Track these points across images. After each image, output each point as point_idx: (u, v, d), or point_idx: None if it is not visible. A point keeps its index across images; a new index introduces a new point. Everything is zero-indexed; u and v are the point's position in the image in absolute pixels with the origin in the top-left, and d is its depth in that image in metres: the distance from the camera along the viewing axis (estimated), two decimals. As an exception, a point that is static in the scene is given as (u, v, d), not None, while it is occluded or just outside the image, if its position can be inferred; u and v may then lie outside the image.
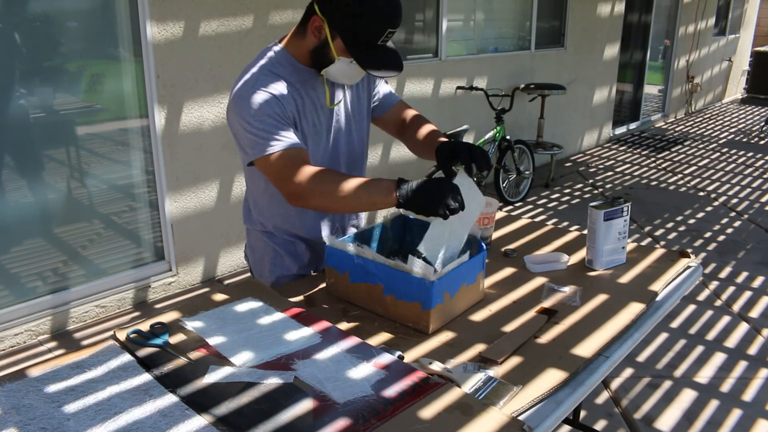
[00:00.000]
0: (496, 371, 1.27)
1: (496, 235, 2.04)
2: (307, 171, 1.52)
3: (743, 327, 3.45)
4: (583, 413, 2.60)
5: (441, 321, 1.44)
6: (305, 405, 1.13)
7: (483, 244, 1.57)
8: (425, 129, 1.82)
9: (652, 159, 7.31)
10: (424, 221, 1.73)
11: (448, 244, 1.51)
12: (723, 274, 4.14)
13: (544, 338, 1.41)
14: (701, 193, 5.98)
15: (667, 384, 2.92)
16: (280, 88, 1.56)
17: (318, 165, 1.67)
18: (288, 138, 1.53)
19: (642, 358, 3.13)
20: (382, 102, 1.87)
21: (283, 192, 1.57)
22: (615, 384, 2.91)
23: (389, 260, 1.44)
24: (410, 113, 1.90)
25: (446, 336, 1.42)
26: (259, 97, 1.52)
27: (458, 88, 5.39)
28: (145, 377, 1.21)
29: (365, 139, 1.86)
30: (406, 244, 1.77)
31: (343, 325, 1.44)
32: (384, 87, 1.87)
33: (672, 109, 9.79)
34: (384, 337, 1.41)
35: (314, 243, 1.81)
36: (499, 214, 2.17)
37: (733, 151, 7.79)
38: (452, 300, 1.46)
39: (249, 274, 1.94)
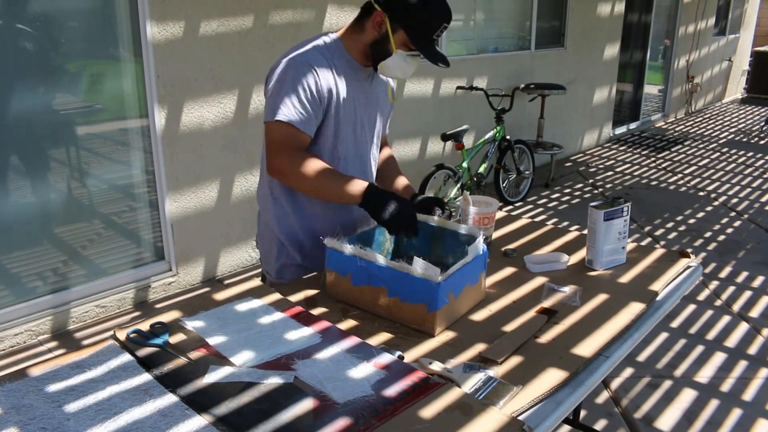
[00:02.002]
0: (496, 371, 1.27)
1: (496, 235, 2.03)
2: (298, 157, 1.61)
3: (743, 327, 3.45)
4: (583, 413, 2.60)
5: (446, 322, 1.44)
6: (305, 405, 1.13)
7: (484, 245, 1.57)
8: (395, 173, 1.98)
9: (652, 159, 7.31)
10: (423, 222, 1.73)
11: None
12: (723, 274, 4.14)
13: (544, 338, 1.41)
14: (701, 193, 5.98)
15: (667, 384, 2.92)
16: (324, 69, 1.64)
17: (344, 159, 1.76)
18: (301, 116, 1.60)
19: (642, 358, 3.13)
20: (387, 122, 1.99)
21: (268, 162, 1.64)
22: (615, 384, 2.91)
23: (394, 262, 1.44)
24: (385, 141, 2.03)
25: (446, 336, 1.42)
26: (304, 69, 1.60)
27: (458, 88, 5.39)
28: (145, 377, 1.21)
29: (379, 144, 1.94)
30: (403, 245, 1.76)
31: (343, 325, 1.44)
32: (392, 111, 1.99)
33: (672, 109, 9.79)
34: (384, 337, 1.41)
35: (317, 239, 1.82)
36: (499, 214, 2.17)
37: (733, 151, 7.79)
38: (456, 301, 1.46)
39: (249, 274, 1.96)
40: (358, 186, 1.62)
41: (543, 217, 5.20)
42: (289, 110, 1.58)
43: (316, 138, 1.68)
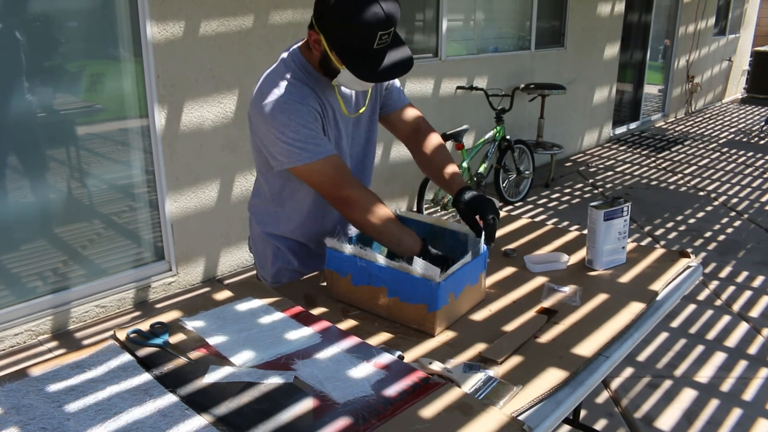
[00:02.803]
0: (496, 371, 1.27)
1: (496, 235, 2.03)
2: (358, 184, 1.61)
3: (743, 327, 3.45)
4: (583, 413, 2.60)
5: (446, 322, 1.44)
6: (305, 405, 1.13)
7: (484, 245, 1.57)
8: (440, 157, 1.83)
9: (652, 159, 7.31)
10: (422, 222, 1.73)
11: None
12: (723, 274, 4.14)
13: (544, 338, 1.41)
14: (701, 193, 5.98)
15: (667, 384, 2.92)
16: (308, 97, 1.58)
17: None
18: (323, 146, 1.57)
19: (642, 357, 3.13)
20: (393, 99, 1.86)
21: (331, 195, 1.60)
22: (615, 384, 2.91)
23: (394, 262, 1.44)
24: (422, 126, 1.88)
25: (446, 336, 1.42)
26: (292, 108, 1.54)
27: (458, 88, 5.39)
28: (145, 377, 1.21)
29: (375, 142, 1.87)
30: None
31: (343, 325, 1.44)
32: (396, 83, 1.86)
33: (672, 108, 9.79)
34: (384, 337, 1.41)
35: (317, 246, 1.82)
36: (500, 214, 2.16)
37: (733, 151, 7.79)
38: (456, 301, 1.46)
39: (249, 274, 1.95)
40: (415, 245, 1.56)
41: (543, 217, 5.20)
42: (311, 148, 1.54)
43: None
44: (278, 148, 1.56)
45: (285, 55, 1.66)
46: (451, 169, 1.82)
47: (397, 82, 1.85)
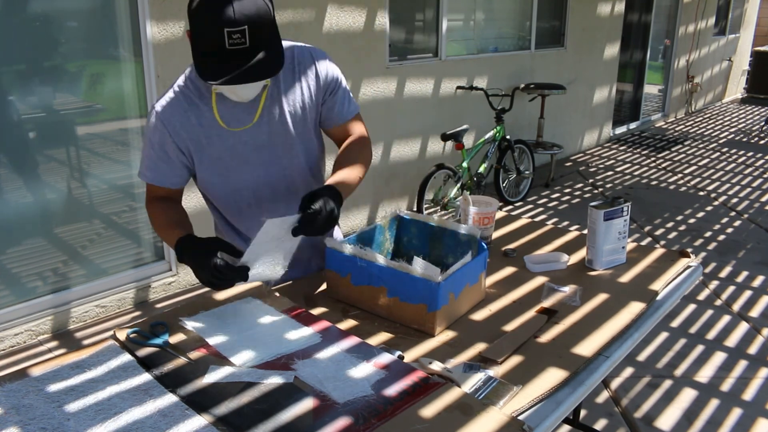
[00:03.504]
0: (496, 371, 1.27)
1: (496, 234, 2.03)
2: (153, 205, 1.64)
3: (743, 327, 3.45)
4: (583, 413, 2.60)
5: (446, 322, 1.44)
6: (305, 405, 1.13)
7: (484, 244, 1.57)
8: (345, 157, 1.63)
9: (652, 159, 7.31)
10: (422, 222, 1.73)
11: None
12: (723, 274, 4.14)
13: (544, 338, 1.41)
14: (701, 193, 5.98)
15: (667, 383, 2.92)
16: (175, 115, 1.55)
17: (250, 183, 1.62)
18: (153, 172, 1.60)
19: (642, 357, 3.13)
20: (335, 113, 1.65)
21: None
22: (615, 384, 2.91)
23: (394, 262, 1.44)
24: (352, 138, 1.68)
25: (446, 336, 1.42)
26: (153, 120, 1.56)
27: (458, 87, 5.39)
28: (145, 377, 1.21)
29: (316, 157, 1.69)
30: (403, 245, 1.76)
31: (343, 325, 1.44)
32: (341, 96, 1.65)
33: (672, 108, 9.79)
34: (384, 337, 1.41)
35: None
36: (499, 214, 2.17)
37: (733, 151, 7.79)
38: (456, 301, 1.46)
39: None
40: (174, 240, 1.54)
41: (543, 217, 5.20)
42: (142, 166, 1.61)
43: (205, 181, 1.66)
44: (142, 153, 1.64)
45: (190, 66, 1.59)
46: (336, 177, 1.55)
47: (342, 93, 1.65)
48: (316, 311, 1.52)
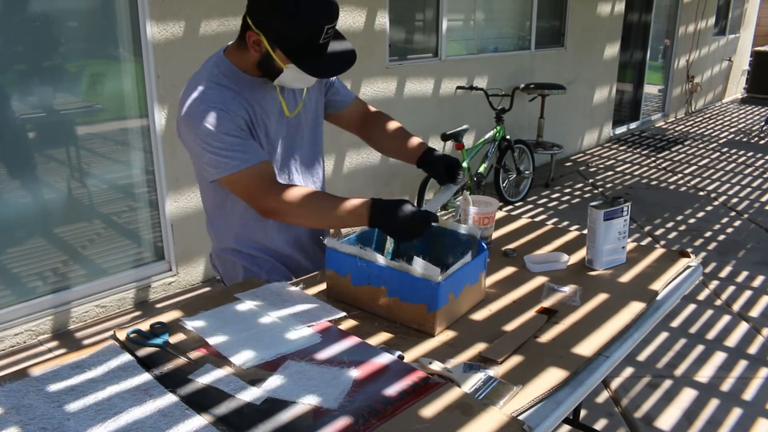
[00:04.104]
0: (496, 371, 1.27)
1: (496, 234, 2.03)
2: (282, 188, 1.54)
3: (743, 326, 3.45)
4: (583, 413, 2.60)
5: (446, 322, 1.44)
6: (305, 405, 1.13)
7: (484, 244, 1.57)
8: (402, 132, 1.82)
9: (652, 159, 7.31)
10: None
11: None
12: (723, 274, 4.14)
13: (544, 338, 1.41)
14: (701, 193, 5.98)
15: (667, 383, 2.92)
16: (229, 102, 1.52)
17: (286, 174, 1.69)
18: (251, 153, 1.51)
19: (642, 357, 3.13)
20: (340, 96, 1.83)
21: (256, 207, 1.57)
22: (615, 383, 2.91)
23: (394, 262, 1.44)
24: (373, 113, 1.87)
25: (446, 336, 1.42)
26: (212, 115, 1.48)
27: (458, 87, 5.39)
28: (145, 377, 1.21)
29: (321, 142, 1.82)
30: (403, 245, 1.76)
31: (343, 325, 1.44)
32: (338, 81, 1.83)
33: (672, 108, 9.79)
34: (384, 336, 1.41)
35: (278, 255, 1.78)
36: (499, 214, 2.17)
37: (733, 151, 7.79)
38: (456, 300, 1.46)
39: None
40: (359, 205, 1.50)
41: (543, 217, 5.20)
42: (237, 156, 1.49)
43: None
44: (206, 158, 1.51)
45: (209, 59, 1.61)
46: (417, 140, 1.80)
47: (338, 79, 1.82)
48: (316, 311, 1.51)
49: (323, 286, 1.64)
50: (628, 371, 3.01)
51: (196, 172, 1.66)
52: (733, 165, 7.09)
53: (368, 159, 4.72)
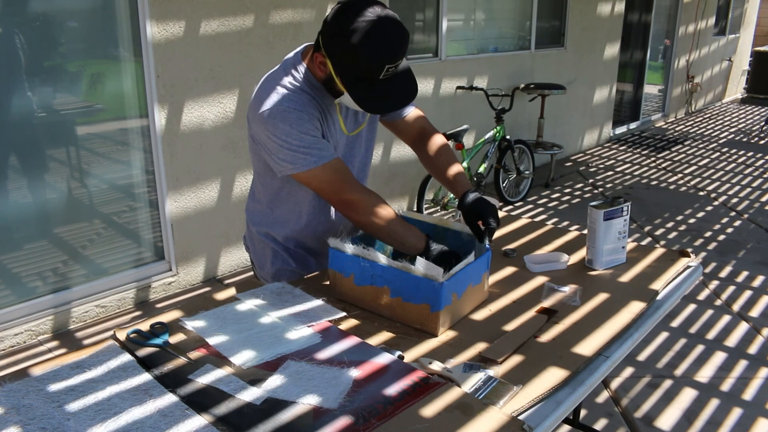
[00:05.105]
0: (496, 371, 1.27)
1: (496, 235, 2.03)
2: (360, 187, 1.61)
3: (743, 326, 3.45)
4: (583, 413, 2.60)
5: (449, 322, 1.44)
6: (305, 405, 1.13)
7: (487, 245, 1.57)
8: (445, 157, 1.87)
9: (652, 159, 7.31)
10: (424, 222, 1.73)
11: None
12: (723, 274, 4.14)
13: (545, 338, 1.41)
14: (701, 193, 5.98)
15: (667, 383, 2.92)
16: (309, 105, 1.56)
17: None
18: (326, 151, 1.56)
19: (642, 357, 3.13)
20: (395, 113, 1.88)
21: (335, 200, 1.61)
22: (615, 383, 2.91)
23: (396, 262, 1.44)
24: (427, 128, 1.91)
25: (446, 335, 1.42)
26: (294, 115, 1.52)
27: (458, 87, 5.39)
28: (145, 377, 1.21)
29: (370, 160, 1.88)
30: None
31: (344, 325, 1.44)
32: None
33: (672, 108, 9.79)
34: (384, 336, 1.41)
35: (310, 250, 1.82)
36: (499, 214, 2.17)
37: (733, 151, 7.79)
38: (459, 301, 1.46)
39: (249, 274, 1.94)
40: (419, 242, 1.58)
41: (543, 217, 5.20)
42: (314, 153, 1.54)
43: None
44: (282, 154, 1.55)
45: (288, 60, 1.64)
46: (456, 169, 1.83)
47: None
48: (316, 311, 1.51)
49: (323, 286, 1.64)
50: (628, 371, 3.01)
51: (259, 164, 1.70)
52: (733, 165, 7.09)
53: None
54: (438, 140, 1.89)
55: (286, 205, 1.75)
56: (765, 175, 6.65)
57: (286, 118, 1.52)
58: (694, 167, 6.97)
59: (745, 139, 8.45)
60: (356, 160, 1.79)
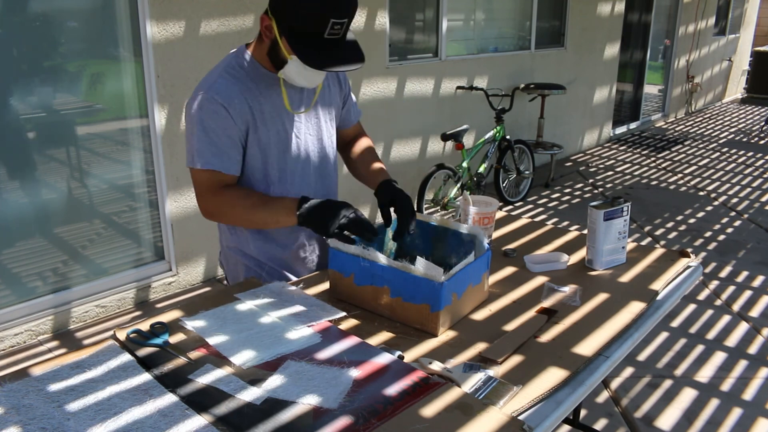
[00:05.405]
0: (496, 371, 1.27)
1: (496, 234, 2.04)
2: (221, 192, 1.56)
3: (743, 326, 3.45)
4: (583, 413, 2.60)
5: (449, 322, 1.44)
6: (305, 405, 1.13)
7: (487, 245, 1.57)
8: (368, 156, 1.86)
9: (652, 159, 7.31)
10: (424, 222, 1.73)
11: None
12: (723, 274, 4.14)
13: (545, 338, 1.41)
14: (701, 193, 5.98)
15: (667, 383, 2.92)
16: (234, 96, 1.54)
17: (288, 173, 1.68)
18: (218, 158, 1.54)
19: (642, 357, 3.13)
20: (351, 115, 1.87)
21: (199, 207, 1.61)
22: (615, 383, 2.91)
23: (396, 262, 1.44)
24: (360, 133, 1.93)
25: (446, 336, 1.42)
26: (211, 106, 1.52)
27: (458, 87, 5.39)
28: (145, 377, 1.21)
29: (335, 145, 1.83)
30: (406, 245, 1.76)
31: (343, 325, 1.44)
32: (352, 99, 1.86)
33: (672, 108, 9.79)
34: (384, 336, 1.41)
35: (278, 260, 1.77)
36: (499, 214, 2.17)
37: (733, 151, 7.79)
38: (459, 301, 1.46)
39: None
40: (289, 205, 1.52)
41: (543, 217, 5.20)
42: (204, 155, 1.53)
43: (248, 166, 1.63)
44: (189, 144, 1.56)
45: (231, 52, 1.64)
46: (378, 165, 1.82)
47: (352, 97, 1.86)
48: (316, 311, 1.51)
49: (323, 286, 1.64)
50: (628, 371, 3.01)
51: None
52: (733, 165, 7.09)
53: (368, 159, 4.72)
54: (364, 142, 1.90)
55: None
56: (765, 175, 6.65)
57: (205, 107, 1.52)
58: (694, 167, 6.97)
59: (745, 139, 8.45)
60: (307, 144, 1.71)
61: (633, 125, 8.88)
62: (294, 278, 1.77)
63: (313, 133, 1.72)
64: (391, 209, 1.63)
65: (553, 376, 1.26)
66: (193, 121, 1.54)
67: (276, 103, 1.61)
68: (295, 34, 1.44)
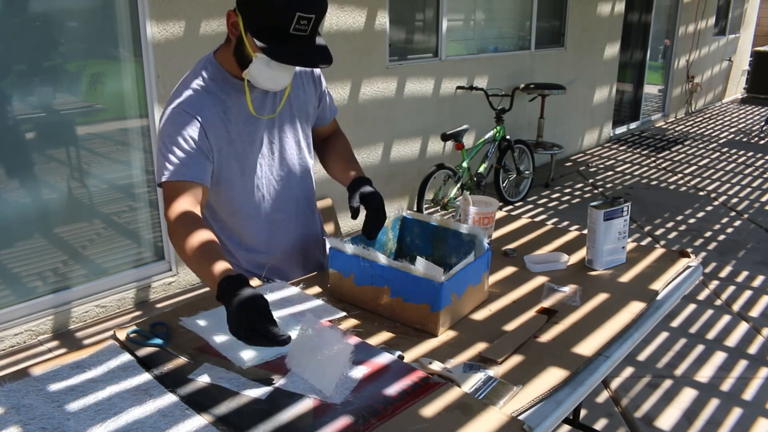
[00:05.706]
0: (496, 371, 1.27)
1: (496, 234, 2.04)
2: (185, 217, 1.44)
3: (743, 326, 3.45)
4: (583, 413, 2.60)
5: (449, 323, 1.44)
6: (305, 405, 1.13)
7: (487, 245, 1.57)
8: (344, 152, 1.82)
9: (652, 159, 7.31)
10: (424, 222, 1.73)
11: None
12: (723, 274, 4.14)
13: (545, 338, 1.41)
14: (701, 193, 5.98)
15: (667, 383, 2.92)
16: (206, 109, 1.52)
17: (266, 180, 1.66)
18: (188, 169, 1.48)
19: (642, 357, 3.13)
20: (327, 113, 1.83)
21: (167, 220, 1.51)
22: (615, 383, 2.91)
23: (396, 262, 1.44)
24: (336, 131, 1.89)
25: (446, 336, 1.42)
26: (179, 118, 1.50)
27: (458, 87, 5.39)
28: (145, 377, 1.21)
29: (311, 149, 1.80)
30: (406, 245, 1.76)
31: (343, 325, 1.44)
32: (329, 97, 1.83)
33: (672, 108, 9.79)
34: (384, 336, 1.41)
35: (268, 261, 1.75)
36: (499, 214, 2.17)
37: (733, 151, 7.79)
38: (459, 301, 1.46)
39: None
40: (215, 279, 1.29)
41: (543, 217, 5.20)
42: (180, 166, 1.48)
43: (227, 178, 1.60)
44: (158, 160, 1.51)
45: (199, 62, 1.62)
46: (353, 163, 1.78)
47: (329, 94, 1.81)
48: (316, 311, 1.51)
49: (323, 287, 1.64)
50: (628, 371, 3.01)
51: None
52: (733, 165, 7.09)
53: (368, 159, 4.72)
54: (341, 139, 1.87)
55: (224, 227, 1.70)
56: (765, 175, 6.65)
57: (173, 117, 1.50)
58: (694, 167, 6.97)
59: (745, 139, 8.45)
60: (284, 148, 1.69)
61: (633, 125, 8.88)
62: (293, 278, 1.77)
63: (290, 135, 1.70)
64: (361, 206, 1.61)
65: (553, 376, 1.26)
66: (162, 136, 1.50)
67: (244, 107, 1.58)
68: (261, 28, 1.41)
